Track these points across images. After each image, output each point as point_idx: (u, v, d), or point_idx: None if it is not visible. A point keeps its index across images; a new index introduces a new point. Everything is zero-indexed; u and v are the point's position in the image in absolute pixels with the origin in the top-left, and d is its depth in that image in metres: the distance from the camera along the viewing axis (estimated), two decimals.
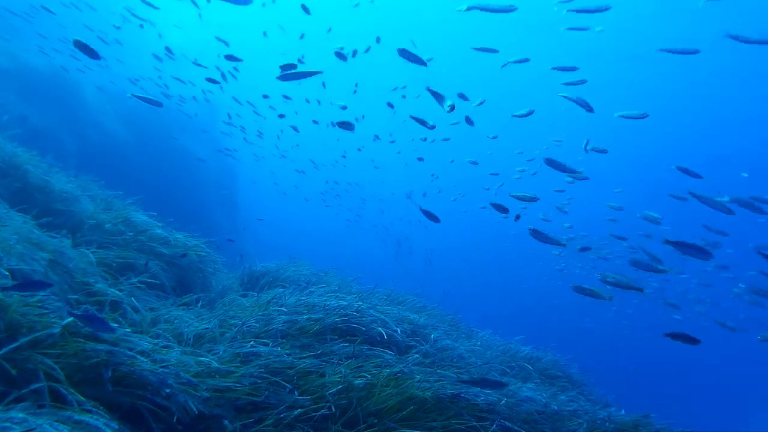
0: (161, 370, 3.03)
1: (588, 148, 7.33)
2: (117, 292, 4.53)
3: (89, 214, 5.63)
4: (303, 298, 5.01)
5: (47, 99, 13.07)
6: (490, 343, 6.89)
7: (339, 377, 3.54)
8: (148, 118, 16.41)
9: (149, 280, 4.88)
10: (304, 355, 3.95)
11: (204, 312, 5.05)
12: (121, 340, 3.13)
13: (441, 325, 6.38)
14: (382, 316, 4.95)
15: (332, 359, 4.07)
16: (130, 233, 5.47)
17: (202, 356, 3.53)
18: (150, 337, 4.03)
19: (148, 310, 4.71)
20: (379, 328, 4.67)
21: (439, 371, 4.02)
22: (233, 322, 4.46)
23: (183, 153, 18.21)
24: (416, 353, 4.94)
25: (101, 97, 15.47)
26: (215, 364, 3.42)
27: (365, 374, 3.67)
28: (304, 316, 4.48)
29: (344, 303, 4.86)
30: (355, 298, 5.40)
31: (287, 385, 3.45)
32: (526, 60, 7.97)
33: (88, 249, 5.04)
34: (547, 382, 6.24)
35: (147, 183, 15.43)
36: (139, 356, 3.00)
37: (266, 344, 3.93)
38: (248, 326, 4.30)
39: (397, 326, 5.07)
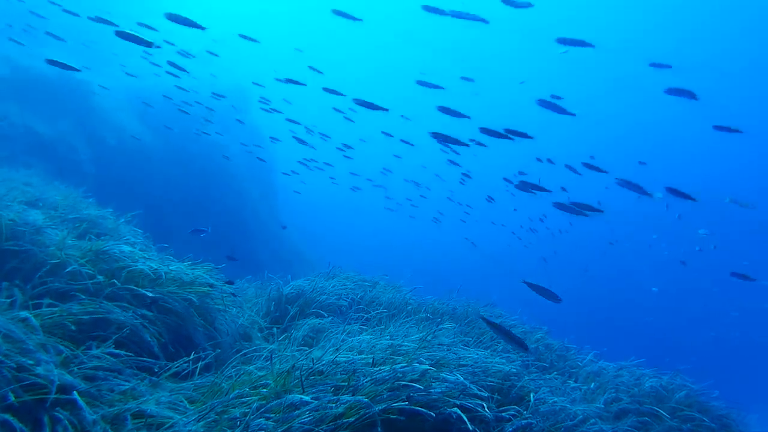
0: None
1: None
2: (68, 376, 3.08)
3: (51, 252, 4.22)
4: (342, 357, 3.43)
5: (55, 105, 11.91)
6: (597, 372, 5.17)
7: None
8: (171, 116, 15.13)
9: (116, 351, 3.41)
10: None
11: (203, 383, 3.57)
12: None
13: (533, 361, 4.70)
14: (459, 378, 3.33)
15: None
16: (100, 276, 4.02)
17: None
18: None
19: (118, 394, 3.26)
20: (456, 405, 3.05)
21: None
22: (234, 413, 2.94)
23: (213, 147, 16.93)
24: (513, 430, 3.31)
25: (117, 97, 14.27)
26: None
27: None
28: (342, 399, 2.90)
29: (400, 366, 3.24)
30: (416, 345, 3.79)
31: None
32: None
33: (40, 306, 3.63)
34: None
35: (175, 184, 14.26)
36: None
37: None
38: (255, 426, 2.77)
39: (479, 385, 3.45)
